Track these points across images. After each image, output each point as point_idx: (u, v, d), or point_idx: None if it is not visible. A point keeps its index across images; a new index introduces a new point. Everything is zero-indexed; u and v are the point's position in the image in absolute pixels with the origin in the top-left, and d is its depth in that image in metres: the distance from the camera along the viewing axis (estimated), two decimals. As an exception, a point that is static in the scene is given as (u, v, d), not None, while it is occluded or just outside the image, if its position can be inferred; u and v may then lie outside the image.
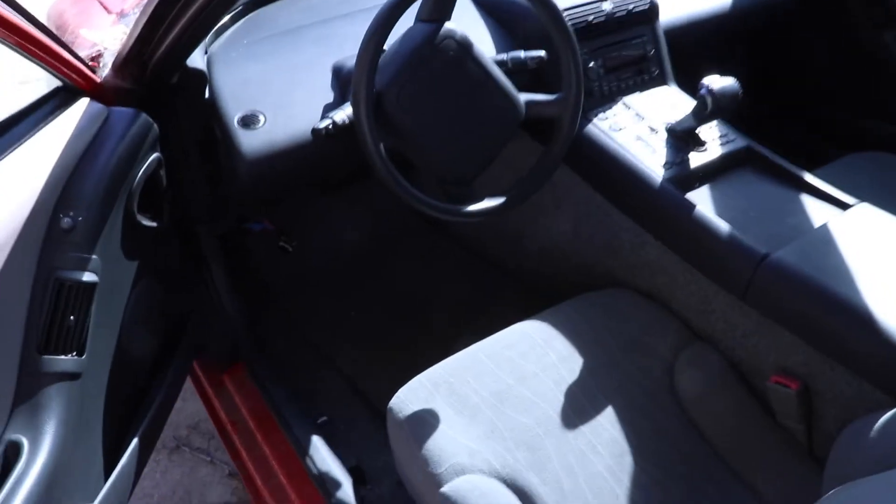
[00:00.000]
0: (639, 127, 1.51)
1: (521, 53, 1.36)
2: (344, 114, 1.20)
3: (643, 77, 1.60)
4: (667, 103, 1.57)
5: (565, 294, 1.47)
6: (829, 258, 1.23)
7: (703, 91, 1.35)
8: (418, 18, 1.20)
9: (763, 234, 1.28)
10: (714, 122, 1.50)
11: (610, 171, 1.47)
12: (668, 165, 1.42)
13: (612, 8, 1.55)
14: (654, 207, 1.40)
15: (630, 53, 1.58)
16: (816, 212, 1.36)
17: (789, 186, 1.43)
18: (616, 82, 1.57)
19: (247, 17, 1.51)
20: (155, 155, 1.28)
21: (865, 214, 1.32)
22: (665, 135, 1.49)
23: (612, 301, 1.44)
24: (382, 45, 1.12)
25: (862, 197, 1.36)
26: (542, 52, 1.38)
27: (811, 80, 2.16)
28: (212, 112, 1.29)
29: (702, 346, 1.36)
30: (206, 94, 1.31)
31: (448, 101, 1.20)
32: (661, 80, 1.63)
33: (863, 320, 1.12)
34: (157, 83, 1.30)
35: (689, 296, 1.38)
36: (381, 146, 1.14)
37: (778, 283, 1.22)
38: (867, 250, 1.24)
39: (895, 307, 1.13)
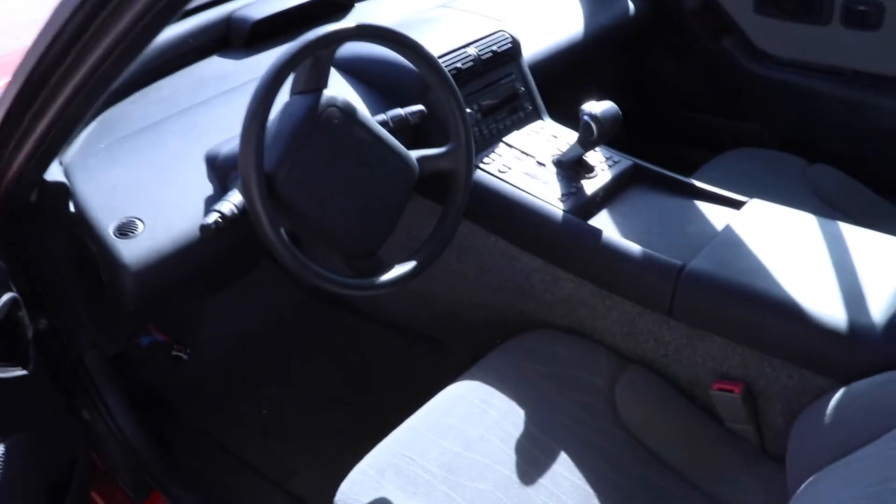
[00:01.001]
0: (525, 164, 1.49)
1: (401, 111, 1.32)
2: (231, 204, 1.12)
3: (518, 115, 1.60)
4: (546, 136, 1.58)
5: (485, 345, 1.42)
6: (741, 258, 1.24)
7: (585, 118, 1.35)
8: (294, 91, 1.14)
9: (672, 247, 1.29)
10: (597, 147, 1.51)
11: (508, 212, 1.44)
12: (563, 197, 1.41)
13: (478, 52, 1.54)
14: (560, 241, 1.38)
15: (502, 94, 1.58)
16: (714, 215, 1.38)
17: (681, 195, 1.45)
18: (494, 124, 1.56)
19: (97, 120, 1.40)
20: (7, 296, 1.14)
21: (759, 209, 1.35)
22: (553, 168, 1.49)
23: (536, 344, 1.41)
24: (266, 123, 1.04)
25: (746, 193, 1.40)
26: (421, 107, 1.35)
27: (670, 91, 2.25)
28: (81, 226, 1.17)
29: (636, 369, 1.34)
30: (72, 208, 1.18)
31: (341, 172, 1.14)
32: (535, 116, 1.63)
33: (789, 310, 1.14)
34: (11, 205, 1.17)
35: (613, 322, 1.36)
36: (281, 230, 1.06)
37: (700, 291, 1.22)
38: (772, 243, 1.26)
39: (814, 292, 1.15)
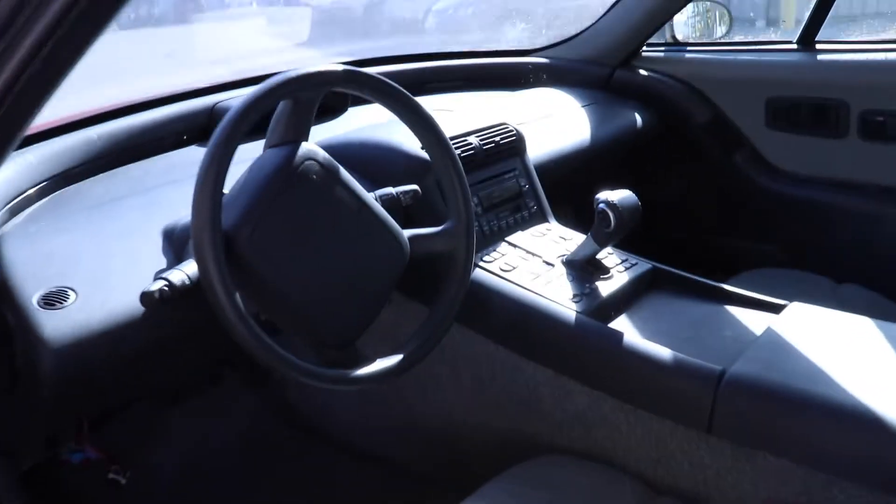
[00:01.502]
0: (532, 264, 1.32)
1: (391, 189, 1.16)
2: (182, 273, 0.93)
3: (522, 214, 1.45)
4: (554, 238, 1.41)
5: (480, 477, 1.19)
6: (792, 359, 1.05)
7: (601, 206, 1.20)
8: (268, 145, 0.97)
9: (708, 352, 1.09)
10: (610, 250, 1.35)
11: (511, 316, 1.25)
12: (576, 298, 1.23)
13: (479, 141, 1.41)
14: (574, 347, 1.18)
15: (505, 189, 1.43)
16: (751, 319, 1.20)
17: (711, 300, 1.27)
18: (496, 221, 1.40)
19: (55, 194, 1.23)
20: None
21: (802, 312, 1.17)
22: (563, 268, 1.31)
23: (546, 472, 1.17)
24: (225, 169, 0.87)
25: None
26: (415, 186, 1.19)
27: (677, 209, 2.12)
28: (1, 295, 0.97)
29: (669, 503, 1.10)
30: None
31: (317, 239, 0.96)
32: (541, 217, 1.48)
33: (860, 419, 0.93)
34: None
35: (639, 444, 1.14)
36: (238, 297, 0.86)
37: (746, 400, 1.01)
38: (824, 345, 1.08)
39: (886, 398, 0.95)
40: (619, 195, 1.20)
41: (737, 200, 1.99)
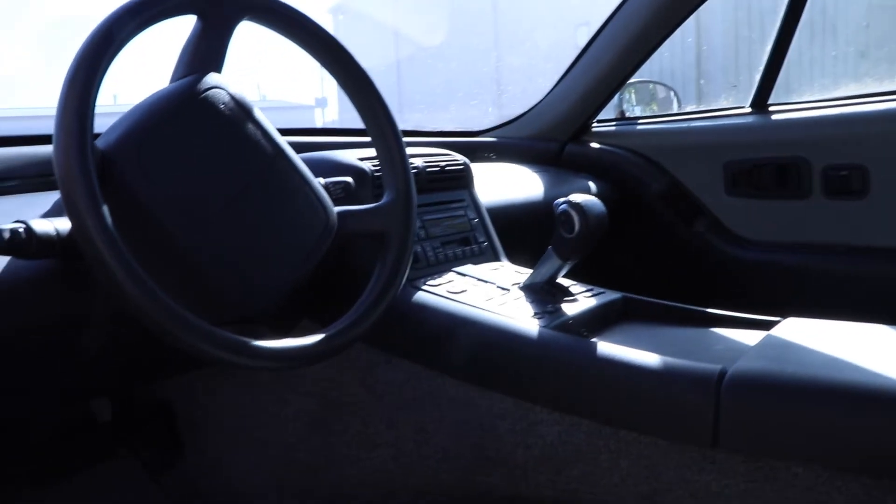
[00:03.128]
0: (484, 289, 1.14)
1: (321, 179, 0.98)
2: (51, 224, 0.73)
3: (472, 248, 1.28)
4: (507, 273, 1.24)
5: None
6: (800, 354, 0.87)
7: (562, 207, 1.04)
8: (173, 80, 0.80)
9: (702, 359, 0.90)
10: (571, 282, 1.18)
11: (463, 340, 1.05)
12: (539, 316, 1.04)
13: (424, 163, 1.26)
14: (540, 366, 0.98)
15: (451, 221, 1.27)
16: (744, 335, 1.02)
17: (697, 324, 1.10)
18: (441, 249, 1.22)
19: None
20: None
21: (798, 324, 1.00)
22: (520, 293, 1.13)
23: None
24: (97, 81, 0.69)
25: None
26: (348, 178, 1.02)
27: (638, 281, 1.96)
28: None
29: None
30: None
31: (219, 180, 0.77)
32: (492, 255, 1.31)
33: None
34: None
35: (624, 479, 0.91)
36: (112, 227, 0.66)
37: (756, 400, 0.82)
38: (831, 343, 0.90)
39: None
40: (583, 197, 1.05)
41: (701, 269, 1.85)
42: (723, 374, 0.84)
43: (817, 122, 1.67)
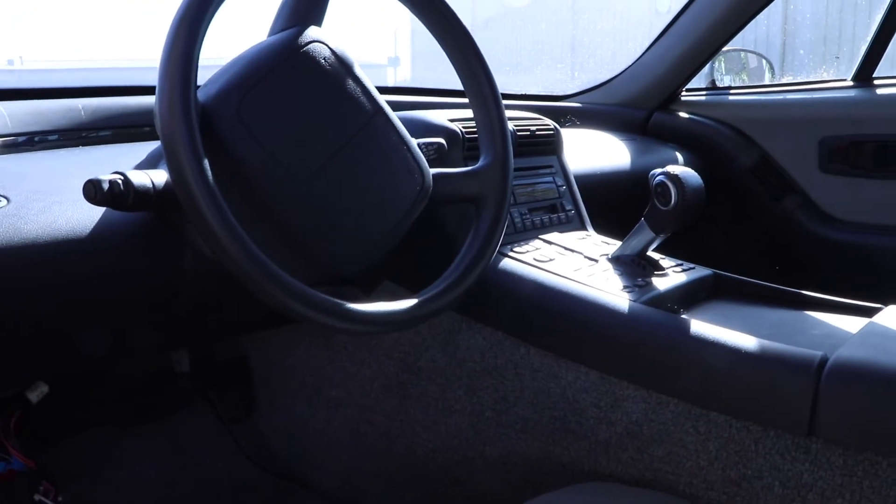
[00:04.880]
0: (571, 259, 1.12)
1: (416, 140, 0.97)
2: (147, 176, 0.73)
3: (559, 216, 1.25)
4: (594, 242, 1.21)
5: None
6: None
7: (659, 178, 1.00)
8: (272, 32, 0.80)
9: (801, 343, 0.87)
10: (660, 256, 1.15)
11: (548, 310, 1.03)
12: (628, 289, 1.02)
13: (514, 128, 1.23)
14: (629, 340, 0.96)
15: (539, 186, 1.24)
16: (843, 321, 0.98)
17: (792, 306, 1.05)
18: (529, 216, 1.20)
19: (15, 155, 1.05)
20: None
21: None
22: (608, 264, 1.11)
23: (588, 502, 0.92)
24: (202, 32, 0.69)
25: None
26: (441, 139, 1.00)
27: (722, 261, 1.91)
28: None
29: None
30: None
31: (318, 136, 0.77)
32: (579, 223, 1.28)
33: None
34: None
35: (711, 463, 0.89)
36: (212, 180, 0.66)
37: (860, 390, 0.78)
38: None
39: None
40: (681, 168, 1.02)
41: (789, 250, 1.79)
42: (824, 360, 0.81)
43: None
